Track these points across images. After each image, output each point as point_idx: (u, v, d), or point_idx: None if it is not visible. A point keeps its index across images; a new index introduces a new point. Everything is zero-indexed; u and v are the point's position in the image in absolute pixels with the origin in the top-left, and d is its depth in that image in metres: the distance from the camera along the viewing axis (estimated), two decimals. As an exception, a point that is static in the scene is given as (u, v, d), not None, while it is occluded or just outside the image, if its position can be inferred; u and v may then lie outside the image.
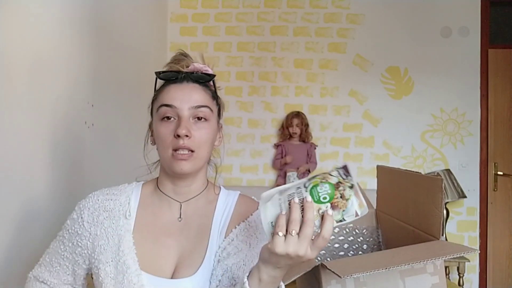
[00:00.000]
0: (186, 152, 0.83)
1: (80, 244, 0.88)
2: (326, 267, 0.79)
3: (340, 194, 0.68)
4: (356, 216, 0.69)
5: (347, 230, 1.25)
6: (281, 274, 0.72)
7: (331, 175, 0.70)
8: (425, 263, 0.86)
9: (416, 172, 1.09)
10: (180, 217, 0.90)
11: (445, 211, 3.05)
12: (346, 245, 1.24)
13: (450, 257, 0.77)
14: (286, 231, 0.66)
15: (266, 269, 0.70)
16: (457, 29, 3.23)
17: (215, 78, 0.93)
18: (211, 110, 0.88)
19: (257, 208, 0.88)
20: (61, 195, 1.48)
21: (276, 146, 3.25)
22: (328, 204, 0.68)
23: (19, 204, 1.23)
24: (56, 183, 1.44)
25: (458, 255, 0.78)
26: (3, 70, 1.14)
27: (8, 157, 1.17)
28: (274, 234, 0.67)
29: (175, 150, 0.82)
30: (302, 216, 0.66)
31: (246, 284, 0.71)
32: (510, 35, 3.44)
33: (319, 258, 1.19)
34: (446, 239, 3.05)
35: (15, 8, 1.20)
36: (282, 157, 3.16)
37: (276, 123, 3.29)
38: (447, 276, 2.93)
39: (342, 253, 1.22)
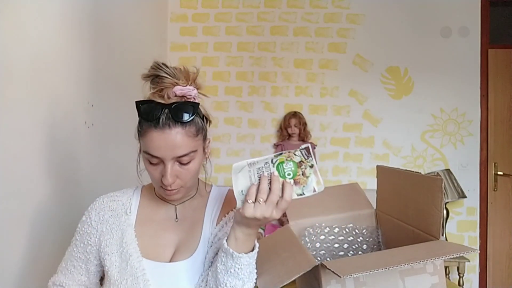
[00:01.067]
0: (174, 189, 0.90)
1: (89, 242, 0.98)
2: (325, 267, 0.79)
3: (302, 171, 0.80)
4: (313, 192, 0.81)
5: (347, 230, 1.25)
6: (254, 232, 0.84)
7: (295, 154, 0.81)
8: (424, 263, 0.86)
9: (416, 172, 1.09)
10: (176, 218, 0.99)
11: (445, 211, 3.05)
12: (345, 245, 1.23)
13: (450, 257, 0.77)
14: (255, 199, 0.79)
15: (240, 229, 0.83)
16: (457, 29, 3.23)
17: (201, 102, 0.92)
18: (196, 151, 0.89)
19: None
20: (61, 195, 1.48)
21: (276, 146, 3.25)
22: (292, 180, 0.80)
23: (19, 204, 1.23)
24: (56, 183, 1.44)
25: (458, 255, 0.78)
26: (3, 70, 1.14)
27: (8, 157, 1.17)
28: (244, 201, 0.79)
29: (163, 187, 0.89)
30: (269, 187, 0.79)
31: (225, 244, 0.84)
32: (510, 35, 3.45)
33: (319, 258, 1.19)
34: (446, 239, 3.05)
35: (15, 8, 1.20)
36: None
37: (276, 123, 3.30)
38: (447, 276, 2.93)
39: (341, 253, 1.22)
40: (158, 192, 0.97)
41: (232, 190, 1.00)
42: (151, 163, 0.88)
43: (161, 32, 3.21)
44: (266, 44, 3.34)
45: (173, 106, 0.85)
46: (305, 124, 3.16)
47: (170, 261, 0.94)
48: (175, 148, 0.85)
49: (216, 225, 0.98)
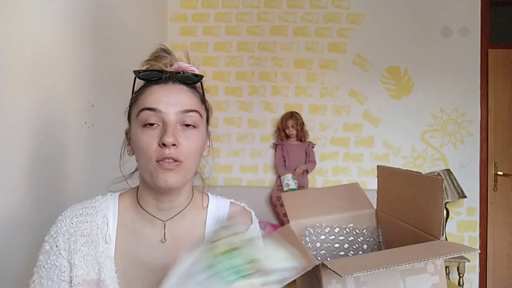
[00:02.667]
0: (171, 161, 0.72)
1: (61, 277, 0.75)
2: (326, 266, 0.79)
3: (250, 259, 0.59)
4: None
5: (348, 230, 1.25)
6: None
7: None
8: (425, 262, 0.86)
9: (416, 172, 1.08)
10: (164, 238, 0.79)
11: (445, 211, 3.05)
12: (346, 245, 1.23)
13: (450, 256, 0.77)
14: None
15: None
16: (457, 29, 3.23)
17: (203, 79, 0.82)
18: (201, 115, 0.77)
19: (251, 222, 0.86)
20: (61, 194, 1.48)
21: (275, 146, 3.25)
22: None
23: (18, 203, 1.23)
24: (56, 183, 1.44)
25: (458, 255, 0.78)
26: (3, 70, 1.14)
27: (8, 157, 1.17)
28: None
29: (159, 161, 0.71)
30: None
31: None
32: (510, 35, 3.44)
33: (319, 258, 1.19)
34: (446, 239, 3.05)
35: (15, 8, 1.20)
36: (283, 159, 3.14)
37: (276, 123, 3.29)
38: (447, 276, 2.93)
39: (342, 253, 1.22)
40: (149, 178, 0.74)
41: (234, 205, 0.87)
42: (146, 125, 0.73)
43: (161, 32, 3.21)
44: (266, 44, 3.34)
45: (178, 72, 0.78)
46: (302, 124, 3.16)
47: None
48: (179, 101, 0.74)
49: None
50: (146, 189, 0.79)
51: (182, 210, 0.81)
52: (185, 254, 0.62)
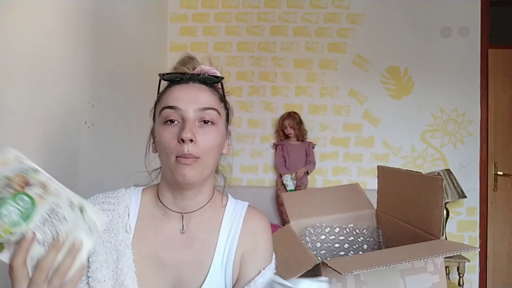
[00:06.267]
0: (189, 157, 0.75)
1: None
2: (326, 265, 0.79)
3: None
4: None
5: (348, 230, 1.25)
6: None
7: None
8: (425, 261, 0.86)
9: (416, 172, 1.09)
10: (183, 230, 0.82)
11: (445, 211, 3.05)
12: (346, 245, 1.23)
13: (450, 254, 0.77)
14: None
15: None
16: (457, 29, 3.23)
17: (224, 81, 0.86)
18: (219, 113, 0.80)
19: (265, 225, 0.89)
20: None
21: (275, 146, 3.25)
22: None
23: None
24: (56, 182, 1.44)
25: (457, 253, 0.78)
26: (3, 70, 1.14)
27: (8, 156, 1.17)
28: None
29: (179, 157, 0.75)
30: None
31: None
32: (510, 35, 3.45)
33: (319, 258, 1.19)
34: (446, 239, 3.05)
35: (15, 8, 1.20)
36: (284, 159, 3.15)
37: (276, 123, 3.29)
38: (447, 276, 2.93)
39: (342, 253, 1.22)
40: (169, 173, 0.78)
41: (252, 208, 0.89)
42: (167, 122, 0.77)
43: (161, 32, 3.21)
44: (266, 44, 3.34)
45: (199, 74, 0.83)
46: (300, 123, 3.15)
47: None
48: (198, 99, 0.78)
49: (234, 259, 0.83)
50: (166, 186, 0.82)
51: (201, 207, 0.83)
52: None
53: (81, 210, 0.61)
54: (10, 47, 1.17)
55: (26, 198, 0.57)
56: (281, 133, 3.18)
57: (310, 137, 3.23)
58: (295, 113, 3.17)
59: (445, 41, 3.24)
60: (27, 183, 0.58)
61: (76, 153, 1.63)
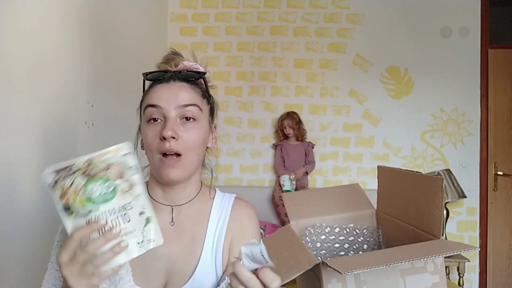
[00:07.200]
0: (173, 156, 0.78)
1: None
2: (326, 264, 0.79)
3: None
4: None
5: (348, 230, 1.25)
6: None
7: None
8: (425, 261, 0.86)
9: (416, 172, 1.08)
10: (172, 221, 0.85)
11: (445, 211, 3.05)
12: (346, 245, 1.23)
13: (450, 254, 0.77)
14: None
15: None
16: (457, 29, 3.23)
17: (207, 76, 0.88)
18: (200, 109, 0.82)
19: (251, 212, 0.92)
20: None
21: (275, 146, 3.25)
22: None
23: (18, 204, 1.23)
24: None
25: (457, 253, 0.78)
26: (3, 70, 1.14)
27: (8, 157, 1.17)
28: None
29: (163, 154, 0.78)
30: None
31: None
32: (510, 35, 3.45)
33: (319, 258, 1.19)
34: (446, 239, 3.05)
35: (15, 8, 1.20)
36: (283, 159, 3.14)
37: (276, 123, 3.29)
38: (447, 276, 2.93)
39: (342, 253, 1.22)
40: (155, 171, 0.81)
41: (239, 199, 0.92)
42: (150, 120, 0.79)
43: (161, 32, 3.21)
44: (266, 44, 3.34)
45: (180, 71, 0.84)
46: (299, 122, 3.15)
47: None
48: (179, 97, 0.80)
49: (223, 247, 0.85)
50: (155, 181, 0.85)
51: (190, 200, 0.87)
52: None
53: (146, 222, 0.66)
54: (11, 47, 1.17)
55: (112, 187, 0.63)
56: (281, 133, 3.18)
57: (310, 137, 3.23)
58: (294, 113, 3.17)
59: (445, 41, 3.24)
60: (121, 176, 0.64)
61: (76, 153, 1.63)
